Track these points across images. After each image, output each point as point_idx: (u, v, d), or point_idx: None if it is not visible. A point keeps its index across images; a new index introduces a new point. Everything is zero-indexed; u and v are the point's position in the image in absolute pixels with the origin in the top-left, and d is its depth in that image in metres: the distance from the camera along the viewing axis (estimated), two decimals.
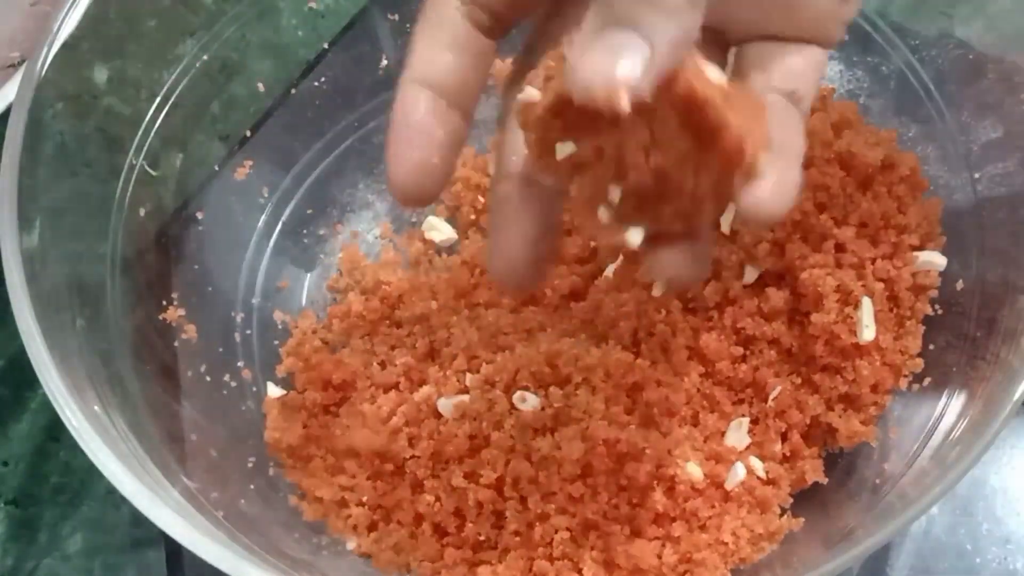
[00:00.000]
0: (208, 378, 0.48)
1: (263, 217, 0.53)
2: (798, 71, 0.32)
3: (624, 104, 0.24)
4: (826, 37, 0.33)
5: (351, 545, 0.44)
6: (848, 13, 0.33)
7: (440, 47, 0.31)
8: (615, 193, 0.28)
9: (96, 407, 0.38)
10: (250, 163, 0.53)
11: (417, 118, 0.30)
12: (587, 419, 0.41)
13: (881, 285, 0.43)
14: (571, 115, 0.27)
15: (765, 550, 0.41)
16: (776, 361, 0.43)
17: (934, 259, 0.44)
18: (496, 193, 0.32)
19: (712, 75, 0.27)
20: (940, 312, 0.44)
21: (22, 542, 0.51)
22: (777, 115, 0.30)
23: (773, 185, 0.28)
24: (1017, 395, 0.35)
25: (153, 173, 0.47)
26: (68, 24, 0.42)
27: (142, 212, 0.47)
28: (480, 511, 0.42)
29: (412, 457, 0.44)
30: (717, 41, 0.33)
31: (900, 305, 0.44)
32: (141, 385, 0.43)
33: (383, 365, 0.48)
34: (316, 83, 0.55)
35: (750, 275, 0.44)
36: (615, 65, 0.24)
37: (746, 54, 0.33)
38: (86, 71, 0.44)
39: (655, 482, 0.41)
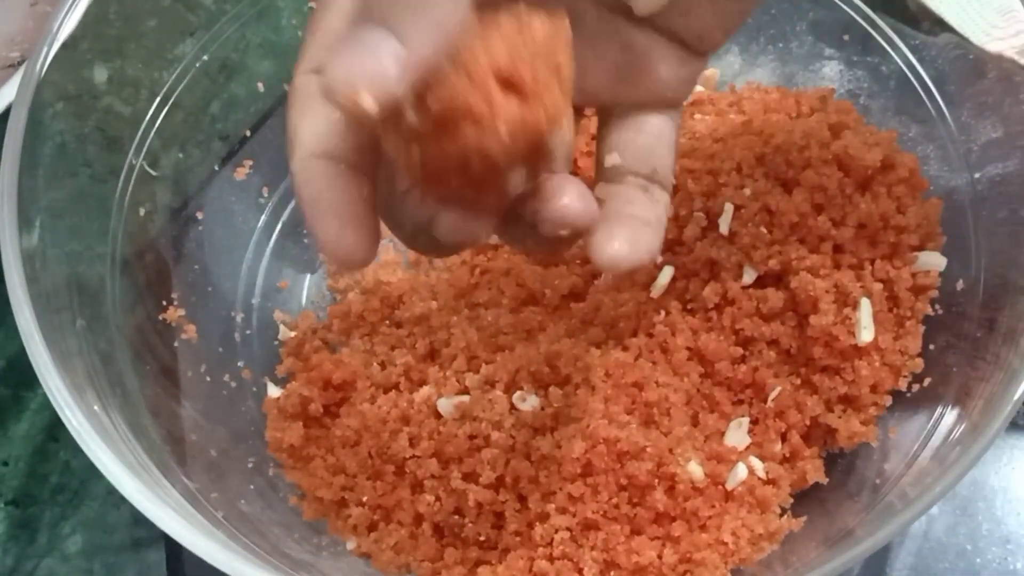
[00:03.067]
0: (208, 378, 0.48)
1: (263, 217, 0.53)
2: (650, 148, 0.32)
3: (369, 105, 0.22)
4: (673, 100, 0.33)
5: (351, 545, 0.44)
6: (696, 72, 0.33)
7: (321, 121, 0.28)
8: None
9: (96, 407, 0.38)
10: (250, 163, 0.52)
11: (325, 193, 0.28)
12: (587, 418, 0.41)
13: (880, 286, 0.43)
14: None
15: (765, 550, 0.41)
16: (775, 362, 0.43)
17: (934, 259, 0.44)
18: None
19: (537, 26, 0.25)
20: (940, 312, 0.44)
21: (22, 542, 0.51)
22: (637, 201, 0.31)
23: (627, 243, 0.29)
24: (1017, 395, 0.35)
25: (153, 173, 0.47)
26: (68, 24, 0.42)
27: (142, 212, 0.47)
28: (480, 511, 0.42)
29: (412, 457, 0.44)
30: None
31: (900, 305, 0.44)
32: (141, 385, 0.43)
33: (383, 365, 0.48)
34: None
35: (749, 276, 0.44)
36: (362, 66, 0.22)
37: (602, 137, 0.33)
38: (86, 71, 0.44)
39: (655, 481, 0.41)
